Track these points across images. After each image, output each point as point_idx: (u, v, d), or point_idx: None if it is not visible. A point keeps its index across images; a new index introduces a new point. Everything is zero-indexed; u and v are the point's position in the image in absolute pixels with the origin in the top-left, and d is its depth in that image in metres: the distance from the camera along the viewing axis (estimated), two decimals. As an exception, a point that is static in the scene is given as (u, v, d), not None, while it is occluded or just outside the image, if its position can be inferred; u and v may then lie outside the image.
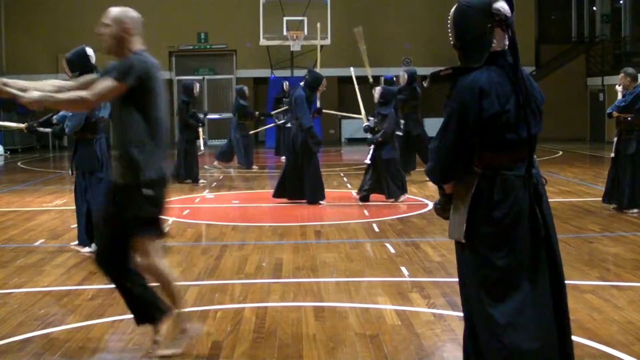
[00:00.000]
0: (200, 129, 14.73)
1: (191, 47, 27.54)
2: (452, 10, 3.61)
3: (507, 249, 3.48)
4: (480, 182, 3.53)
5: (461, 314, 5.47)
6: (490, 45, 3.51)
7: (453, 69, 3.56)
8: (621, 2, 27.66)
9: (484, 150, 3.52)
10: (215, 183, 14.59)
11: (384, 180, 11.22)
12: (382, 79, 14.42)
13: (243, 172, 16.66)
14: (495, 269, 3.48)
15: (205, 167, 18.01)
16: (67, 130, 7.88)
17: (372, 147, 11.29)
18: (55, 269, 7.19)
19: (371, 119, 11.83)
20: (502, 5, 3.53)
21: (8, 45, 27.29)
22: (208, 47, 27.62)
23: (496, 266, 3.48)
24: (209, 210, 11.28)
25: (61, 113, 8.33)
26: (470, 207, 3.52)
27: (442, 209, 3.76)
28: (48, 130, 8.41)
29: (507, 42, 3.55)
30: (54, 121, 8.25)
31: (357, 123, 21.76)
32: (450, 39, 3.65)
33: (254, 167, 17.46)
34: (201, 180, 14.32)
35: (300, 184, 11.21)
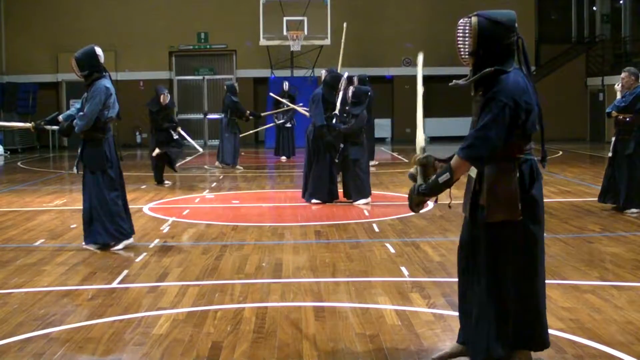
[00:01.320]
0: (179, 128, 14.26)
1: (191, 47, 27.54)
2: (474, 21, 4.17)
3: (542, 221, 4.20)
4: (521, 167, 4.13)
5: (461, 314, 5.48)
6: (514, 53, 4.22)
7: (496, 71, 4.11)
8: (621, 2, 27.66)
9: (520, 139, 4.11)
10: (215, 183, 14.59)
11: (350, 181, 11.19)
12: (356, 78, 14.18)
13: (245, 171, 16.65)
14: (538, 242, 4.16)
15: (206, 167, 18.00)
16: (76, 129, 7.90)
17: (341, 146, 11.28)
18: (55, 269, 7.19)
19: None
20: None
21: (8, 45, 27.28)
22: (208, 47, 27.63)
23: (537, 239, 4.16)
24: (209, 210, 11.28)
25: (67, 112, 8.36)
26: (516, 189, 4.09)
27: (428, 195, 4.24)
28: (55, 127, 8.39)
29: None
30: (60, 119, 8.26)
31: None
32: (464, 45, 4.18)
33: (238, 167, 17.11)
34: (166, 182, 14.14)
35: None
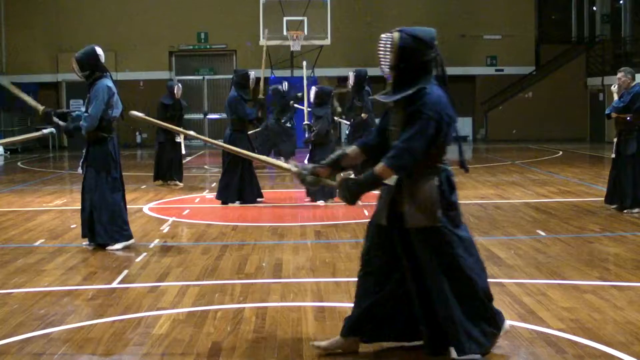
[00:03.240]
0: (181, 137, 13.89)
1: (191, 47, 27.54)
2: (395, 36, 4.37)
3: (462, 224, 4.53)
4: (440, 176, 4.44)
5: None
6: (432, 69, 4.44)
7: (419, 88, 4.35)
8: (621, 2, 27.66)
9: (439, 150, 4.43)
10: (215, 183, 14.58)
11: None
12: (352, 74, 14.06)
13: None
14: (462, 241, 4.46)
15: (205, 167, 18.01)
16: (82, 130, 7.85)
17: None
18: (55, 269, 7.19)
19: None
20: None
21: (8, 44, 27.28)
22: (208, 47, 27.63)
23: (462, 238, 4.46)
24: (209, 210, 11.27)
25: (78, 112, 8.16)
26: (436, 196, 4.40)
27: (314, 184, 4.70)
28: (62, 123, 8.15)
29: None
30: (74, 114, 8.11)
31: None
32: (385, 60, 4.41)
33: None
34: (175, 182, 13.97)
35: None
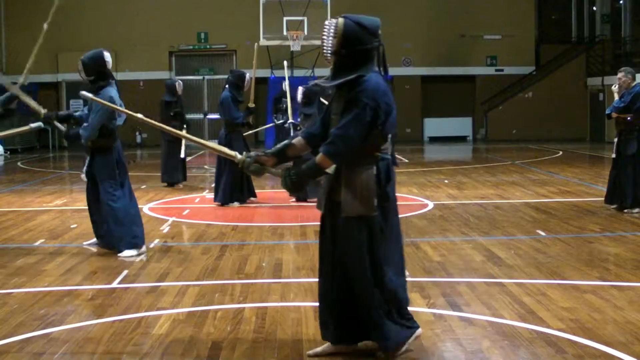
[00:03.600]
0: (184, 131, 13.58)
1: (191, 47, 27.55)
2: (340, 22, 4.40)
3: (396, 217, 4.58)
4: (378, 165, 4.43)
5: (462, 314, 5.49)
6: (374, 57, 4.44)
7: (358, 75, 4.35)
8: (621, 2, 27.66)
9: (380, 139, 4.43)
10: (215, 183, 14.57)
11: None
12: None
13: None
14: (390, 233, 4.50)
15: (206, 167, 18.00)
16: (82, 140, 7.62)
17: None
18: (55, 269, 7.19)
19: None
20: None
21: (8, 44, 27.28)
22: (208, 47, 27.63)
23: (390, 231, 4.49)
24: (209, 210, 11.27)
25: (80, 113, 7.92)
26: (373, 186, 4.38)
27: (257, 172, 4.60)
28: (62, 128, 8.00)
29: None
30: (76, 115, 7.88)
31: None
32: (327, 45, 4.43)
33: None
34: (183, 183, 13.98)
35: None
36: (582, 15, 29.38)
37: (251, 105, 11.80)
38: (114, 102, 7.31)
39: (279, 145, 4.72)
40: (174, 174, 13.78)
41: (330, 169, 4.48)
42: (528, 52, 28.58)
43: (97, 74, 7.52)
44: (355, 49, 4.39)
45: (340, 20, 4.43)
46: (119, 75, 25.74)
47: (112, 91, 7.56)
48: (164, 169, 13.87)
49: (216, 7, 27.10)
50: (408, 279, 6.60)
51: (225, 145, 9.79)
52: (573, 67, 27.49)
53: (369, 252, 4.44)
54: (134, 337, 5.12)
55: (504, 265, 7.12)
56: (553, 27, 30.45)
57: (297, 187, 4.52)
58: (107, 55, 7.59)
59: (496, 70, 28.33)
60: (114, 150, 7.71)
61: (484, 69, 28.15)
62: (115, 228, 7.70)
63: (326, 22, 4.49)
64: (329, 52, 4.44)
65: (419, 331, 4.69)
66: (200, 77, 27.98)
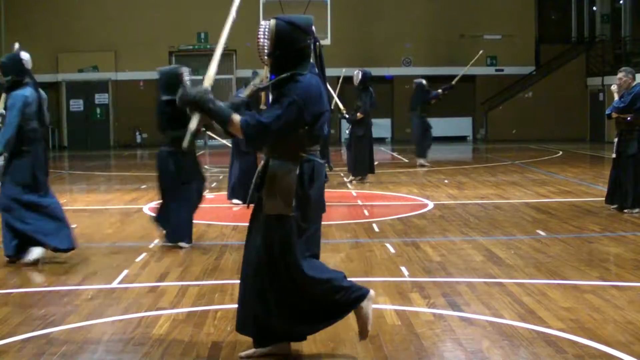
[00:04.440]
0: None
1: (191, 47, 27.53)
2: (272, 23, 4.44)
3: (317, 219, 4.52)
4: (302, 166, 4.37)
5: (462, 314, 5.49)
6: (310, 56, 4.43)
7: (293, 74, 4.33)
8: (621, 2, 27.66)
9: (306, 139, 4.37)
10: (215, 183, 14.58)
11: None
12: (360, 73, 14.56)
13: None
14: (312, 234, 4.45)
15: (206, 167, 18.01)
16: (0, 147, 7.18)
17: None
18: (55, 269, 7.19)
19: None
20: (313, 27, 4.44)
21: (8, 45, 27.27)
22: (208, 47, 27.61)
23: (311, 232, 4.44)
24: (209, 210, 11.27)
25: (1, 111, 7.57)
26: (293, 186, 4.33)
27: (195, 106, 4.34)
28: None
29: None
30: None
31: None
32: (262, 47, 4.50)
33: None
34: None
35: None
36: (582, 15, 29.38)
37: (263, 106, 11.99)
38: (27, 101, 7.21)
39: (234, 103, 4.67)
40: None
41: (260, 166, 4.50)
42: (528, 52, 28.58)
43: (15, 74, 7.31)
44: (289, 48, 4.40)
45: (272, 21, 4.48)
46: (119, 75, 25.80)
47: (27, 90, 7.30)
48: None
49: (216, 7, 26.97)
50: (408, 278, 6.64)
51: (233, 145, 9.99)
52: (573, 67, 27.50)
53: (282, 252, 4.39)
54: (134, 337, 5.12)
55: (504, 265, 7.12)
56: (553, 27, 30.44)
57: (192, 106, 4.31)
58: (25, 55, 7.40)
59: (496, 70, 28.34)
60: (30, 156, 7.32)
61: (484, 69, 28.13)
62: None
63: (261, 24, 4.58)
64: (265, 54, 4.49)
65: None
66: (200, 78, 27.94)
